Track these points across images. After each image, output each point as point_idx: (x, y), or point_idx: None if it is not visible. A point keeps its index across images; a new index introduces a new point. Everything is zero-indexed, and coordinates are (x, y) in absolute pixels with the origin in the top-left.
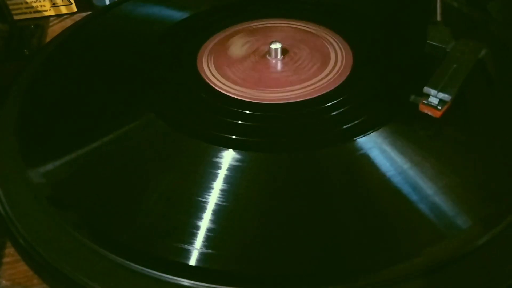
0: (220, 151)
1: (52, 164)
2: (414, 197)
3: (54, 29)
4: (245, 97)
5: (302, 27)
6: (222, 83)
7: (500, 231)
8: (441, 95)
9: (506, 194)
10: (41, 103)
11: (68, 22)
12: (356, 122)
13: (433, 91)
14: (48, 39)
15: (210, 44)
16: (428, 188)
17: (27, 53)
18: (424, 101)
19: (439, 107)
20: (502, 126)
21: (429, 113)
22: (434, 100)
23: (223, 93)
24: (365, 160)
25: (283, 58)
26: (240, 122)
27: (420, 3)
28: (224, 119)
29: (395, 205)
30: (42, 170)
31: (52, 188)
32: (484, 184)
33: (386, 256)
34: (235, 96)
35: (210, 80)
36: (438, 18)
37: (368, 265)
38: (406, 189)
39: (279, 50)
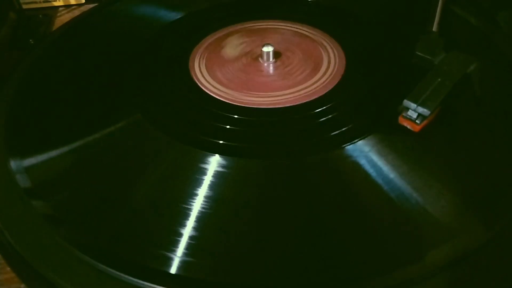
0: (206, 156)
1: (34, 158)
2: (402, 204)
3: (62, 19)
4: (234, 101)
5: (298, 30)
6: (212, 85)
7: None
8: (420, 109)
9: (497, 200)
10: (31, 98)
11: (76, 13)
12: (343, 129)
13: (412, 105)
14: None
15: (204, 45)
16: (416, 195)
17: (32, 42)
18: (403, 114)
19: (417, 122)
20: (486, 141)
21: (408, 126)
22: (413, 114)
23: (212, 96)
24: (352, 168)
25: (275, 62)
26: (227, 127)
27: (420, 11)
28: (211, 123)
29: (384, 212)
30: (24, 163)
31: (32, 182)
32: (472, 192)
33: (380, 264)
34: (225, 100)
35: (201, 83)
36: (434, 28)
37: (362, 273)
38: (393, 196)
39: (271, 54)
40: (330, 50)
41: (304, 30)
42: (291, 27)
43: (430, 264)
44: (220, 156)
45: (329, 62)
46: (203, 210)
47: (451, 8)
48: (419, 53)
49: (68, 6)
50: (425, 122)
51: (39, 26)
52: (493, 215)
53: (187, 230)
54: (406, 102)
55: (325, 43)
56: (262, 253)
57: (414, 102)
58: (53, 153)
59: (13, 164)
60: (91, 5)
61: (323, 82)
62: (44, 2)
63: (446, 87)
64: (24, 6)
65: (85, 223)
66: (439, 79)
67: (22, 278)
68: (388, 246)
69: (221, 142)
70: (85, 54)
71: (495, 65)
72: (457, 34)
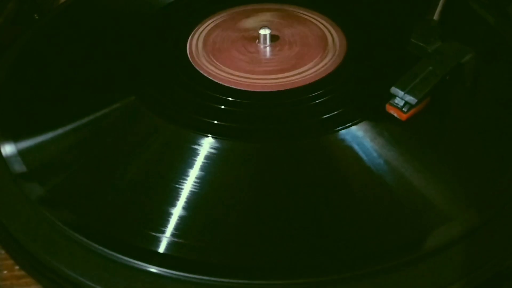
0: (198, 138)
1: (27, 140)
2: (392, 188)
3: None
4: (229, 83)
5: (299, 13)
6: (209, 67)
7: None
8: (407, 97)
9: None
10: (25, 78)
11: None
12: (337, 114)
13: (400, 92)
14: None
15: (202, 27)
16: (406, 179)
17: (37, 17)
18: (390, 102)
19: (404, 110)
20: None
21: (395, 114)
22: (400, 102)
23: (208, 79)
24: (345, 152)
25: (273, 45)
26: (221, 108)
27: None
28: (205, 105)
29: (375, 196)
30: (17, 145)
31: (24, 163)
32: (463, 178)
33: (371, 248)
34: (218, 82)
35: (198, 65)
36: (436, 16)
37: (354, 256)
38: (384, 180)
39: (267, 36)
40: (330, 35)
41: (305, 14)
42: (291, 9)
43: (421, 246)
44: (213, 138)
45: (329, 47)
46: (194, 191)
47: None
48: (414, 41)
49: None
50: (412, 110)
51: (45, 1)
52: (483, 201)
53: (177, 210)
54: (394, 89)
55: (326, 28)
56: (253, 235)
57: (402, 89)
58: (46, 134)
59: (6, 145)
60: None
61: (321, 66)
62: None
63: (437, 76)
64: None
65: (77, 202)
66: (430, 68)
67: (14, 258)
68: (379, 228)
69: (214, 124)
70: (83, 34)
71: (499, 58)
72: (464, 25)
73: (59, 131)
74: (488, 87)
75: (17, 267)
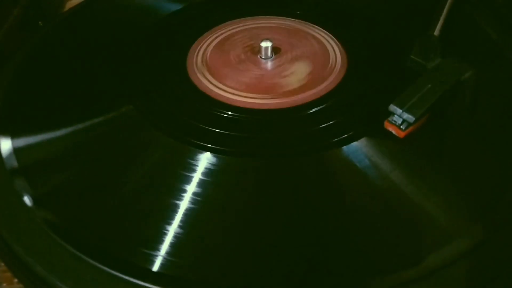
0: (196, 153)
1: (24, 141)
2: (393, 205)
3: (73, 2)
4: (229, 99)
5: (300, 27)
6: (209, 82)
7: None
8: (406, 115)
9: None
10: (28, 82)
11: None
12: (337, 130)
13: (398, 110)
14: None
15: (203, 39)
16: (408, 198)
17: (41, 24)
18: (389, 119)
19: (402, 127)
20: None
21: (393, 131)
22: (398, 120)
23: (208, 93)
24: (344, 169)
25: (274, 58)
26: (220, 124)
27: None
28: (204, 120)
29: (374, 213)
30: (14, 145)
31: (19, 167)
32: (466, 195)
33: (373, 265)
34: (219, 97)
35: (197, 78)
36: (436, 32)
37: (354, 274)
38: (384, 199)
39: (269, 49)
40: (331, 48)
41: (306, 28)
42: (288, 22)
43: (424, 264)
44: (211, 154)
45: (331, 60)
46: (191, 207)
47: (464, 11)
48: (414, 57)
49: None
50: (410, 128)
51: (50, 8)
52: (486, 217)
53: (173, 227)
54: (392, 107)
55: (326, 41)
56: (251, 254)
57: (400, 107)
58: (43, 139)
59: (3, 144)
60: None
61: (323, 81)
62: None
63: (435, 94)
64: None
65: (71, 213)
66: (429, 86)
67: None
68: (382, 247)
69: (212, 139)
70: (84, 42)
71: (501, 73)
72: (466, 39)
73: (57, 137)
74: (489, 103)
75: (16, 280)
